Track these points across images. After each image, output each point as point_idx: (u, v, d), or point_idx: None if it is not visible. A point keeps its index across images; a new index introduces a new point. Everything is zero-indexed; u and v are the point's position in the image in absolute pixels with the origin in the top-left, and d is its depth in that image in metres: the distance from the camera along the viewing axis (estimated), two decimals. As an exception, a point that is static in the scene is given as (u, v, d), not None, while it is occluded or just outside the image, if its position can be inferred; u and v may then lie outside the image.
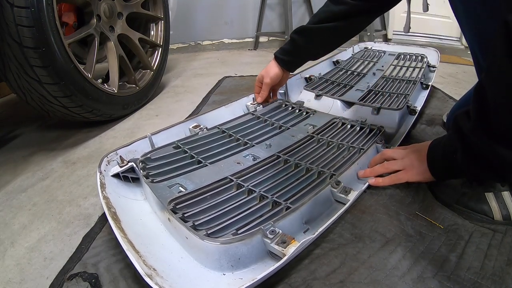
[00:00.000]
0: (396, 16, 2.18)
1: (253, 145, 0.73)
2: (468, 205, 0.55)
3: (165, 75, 1.60)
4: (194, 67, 1.88)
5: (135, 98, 1.18)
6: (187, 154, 0.69)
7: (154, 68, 1.31)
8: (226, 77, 1.56)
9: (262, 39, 2.37)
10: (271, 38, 2.36)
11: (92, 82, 0.96)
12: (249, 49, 2.33)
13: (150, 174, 0.62)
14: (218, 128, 0.80)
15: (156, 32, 1.38)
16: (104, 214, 0.63)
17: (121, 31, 1.14)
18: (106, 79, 1.14)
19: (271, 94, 0.97)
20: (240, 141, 0.75)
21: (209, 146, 0.72)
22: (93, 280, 0.47)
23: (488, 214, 0.53)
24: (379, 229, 0.53)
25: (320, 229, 0.49)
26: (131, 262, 0.42)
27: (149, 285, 0.39)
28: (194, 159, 0.67)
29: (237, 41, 2.40)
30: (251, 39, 2.37)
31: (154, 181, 0.60)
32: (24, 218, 0.65)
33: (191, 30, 2.36)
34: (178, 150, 0.71)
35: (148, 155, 0.67)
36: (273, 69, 0.90)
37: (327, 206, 0.57)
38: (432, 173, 0.57)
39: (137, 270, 0.41)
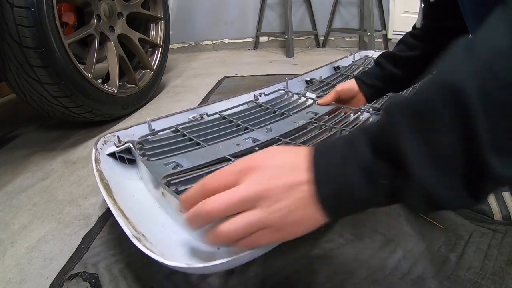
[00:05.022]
0: (396, 16, 2.18)
1: (254, 130, 0.73)
2: (468, 205, 0.55)
3: (165, 75, 1.60)
4: (194, 67, 1.88)
5: (135, 98, 1.18)
6: (186, 137, 0.69)
7: (154, 68, 1.31)
8: (226, 77, 1.56)
9: (262, 39, 2.37)
10: (271, 38, 2.36)
11: (92, 82, 0.96)
12: (249, 49, 2.33)
13: (146, 154, 0.62)
14: (219, 114, 0.80)
15: (156, 32, 1.38)
16: (104, 213, 0.63)
17: (121, 31, 1.14)
18: (106, 79, 1.14)
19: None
20: (241, 126, 0.75)
21: (209, 131, 0.72)
22: (93, 280, 0.47)
23: (488, 214, 0.53)
24: (379, 229, 0.53)
25: None
26: (120, 225, 0.40)
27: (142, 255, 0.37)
28: (193, 141, 0.67)
29: (237, 41, 2.40)
30: (251, 39, 2.38)
31: (150, 159, 0.60)
32: (24, 218, 0.65)
33: (191, 30, 2.36)
34: (177, 133, 0.70)
35: (146, 137, 0.67)
36: (349, 83, 0.81)
37: None
38: (330, 210, 0.29)
39: (126, 234, 0.39)
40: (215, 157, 0.60)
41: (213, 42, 2.41)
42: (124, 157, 0.64)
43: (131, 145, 0.64)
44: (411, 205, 0.28)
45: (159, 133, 0.71)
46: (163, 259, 0.35)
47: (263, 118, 0.80)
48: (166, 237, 0.45)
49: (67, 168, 0.83)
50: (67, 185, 0.75)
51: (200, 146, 0.66)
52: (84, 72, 0.93)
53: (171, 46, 1.82)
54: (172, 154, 0.62)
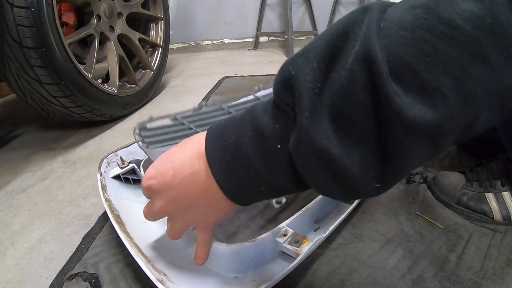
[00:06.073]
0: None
1: None
2: (468, 205, 0.55)
3: (165, 75, 1.60)
4: (194, 67, 1.88)
5: (135, 98, 1.18)
6: (185, 125, 0.67)
7: (154, 68, 1.31)
8: (226, 77, 1.56)
9: (262, 39, 2.37)
10: (271, 38, 2.36)
11: (92, 82, 0.96)
12: (249, 49, 2.33)
13: (145, 140, 0.60)
14: (220, 106, 0.79)
15: (156, 32, 1.38)
16: (104, 213, 0.63)
17: (121, 31, 1.14)
18: (106, 79, 1.14)
19: None
20: None
21: (208, 120, 0.70)
22: (93, 280, 0.47)
23: (488, 214, 0.53)
24: (379, 229, 0.53)
25: (331, 227, 0.48)
26: (140, 267, 0.42)
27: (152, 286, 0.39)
28: (192, 130, 0.66)
29: (237, 41, 2.40)
30: (251, 39, 2.37)
31: (149, 147, 0.59)
32: (24, 218, 0.65)
33: (191, 30, 2.36)
34: (176, 121, 0.69)
35: (145, 125, 0.66)
36: None
37: (335, 205, 0.57)
38: (232, 193, 0.28)
39: (147, 276, 0.40)
40: None
41: (213, 42, 2.41)
42: (129, 178, 0.64)
43: (135, 166, 0.63)
44: (309, 174, 0.24)
45: (158, 120, 0.70)
46: None
47: None
48: (184, 270, 0.45)
49: (67, 168, 0.83)
50: (67, 185, 0.75)
51: None
52: (84, 72, 0.93)
53: (171, 46, 1.82)
54: (171, 142, 0.61)
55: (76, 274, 0.49)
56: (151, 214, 0.36)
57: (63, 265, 0.51)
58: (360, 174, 0.22)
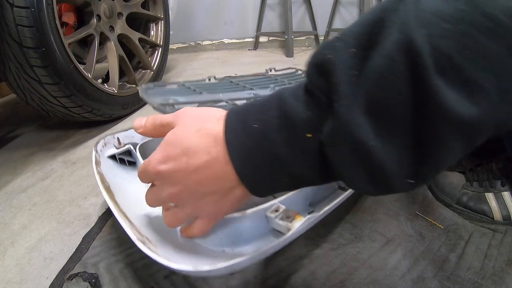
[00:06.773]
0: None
1: (259, 89, 0.74)
2: (468, 205, 0.55)
3: (165, 75, 1.60)
4: (194, 67, 1.88)
5: (135, 98, 1.18)
6: (190, 89, 0.70)
7: (154, 68, 1.31)
8: (226, 77, 1.56)
9: (262, 39, 2.37)
10: (271, 38, 2.36)
11: (92, 82, 0.96)
12: (249, 49, 2.33)
13: (148, 93, 0.64)
14: (227, 79, 0.81)
15: (156, 32, 1.38)
16: (104, 213, 0.63)
17: (121, 31, 1.14)
18: (106, 79, 1.14)
19: None
20: (246, 86, 0.76)
21: (214, 88, 0.73)
22: (93, 280, 0.47)
23: (488, 214, 0.53)
24: (379, 229, 0.53)
25: (326, 208, 0.46)
26: (123, 229, 0.40)
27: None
28: (196, 92, 0.68)
29: (237, 41, 2.40)
30: (251, 39, 2.38)
31: (150, 97, 0.62)
32: (24, 218, 0.65)
33: (191, 30, 2.36)
34: (182, 87, 0.72)
35: (151, 85, 0.69)
36: None
37: (331, 191, 0.56)
38: (251, 182, 0.27)
39: (129, 237, 0.38)
40: (212, 99, 0.60)
41: (213, 42, 2.41)
42: (125, 159, 0.64)
43: (131, 147, 0.64)
44: (340, 169, 0.23)
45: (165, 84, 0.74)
46: (169, 262, 0.35)
47: (271, 85, 0.80)
48: (170, 241, 0.44)
49: (67, 168, 0.83)
50: (67, 185, 0.75)
51: (202, 94, 0.68)
52: (84, 72, 0.93)
53: (171, 46, 1.82)
54: (175, 96, 0.65)
55: (76, 274, 0.49)
56: (156, 200, 0.34)
57: (63, 265, 0.51)
58: (395, 170, 0.21)
